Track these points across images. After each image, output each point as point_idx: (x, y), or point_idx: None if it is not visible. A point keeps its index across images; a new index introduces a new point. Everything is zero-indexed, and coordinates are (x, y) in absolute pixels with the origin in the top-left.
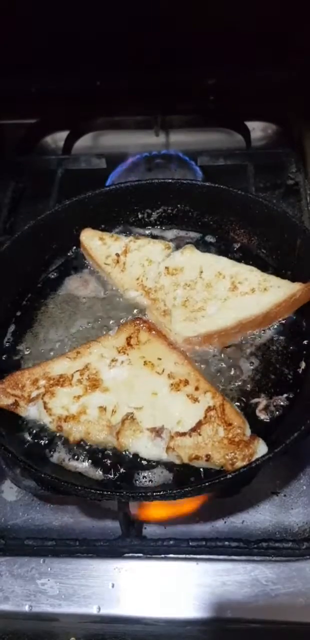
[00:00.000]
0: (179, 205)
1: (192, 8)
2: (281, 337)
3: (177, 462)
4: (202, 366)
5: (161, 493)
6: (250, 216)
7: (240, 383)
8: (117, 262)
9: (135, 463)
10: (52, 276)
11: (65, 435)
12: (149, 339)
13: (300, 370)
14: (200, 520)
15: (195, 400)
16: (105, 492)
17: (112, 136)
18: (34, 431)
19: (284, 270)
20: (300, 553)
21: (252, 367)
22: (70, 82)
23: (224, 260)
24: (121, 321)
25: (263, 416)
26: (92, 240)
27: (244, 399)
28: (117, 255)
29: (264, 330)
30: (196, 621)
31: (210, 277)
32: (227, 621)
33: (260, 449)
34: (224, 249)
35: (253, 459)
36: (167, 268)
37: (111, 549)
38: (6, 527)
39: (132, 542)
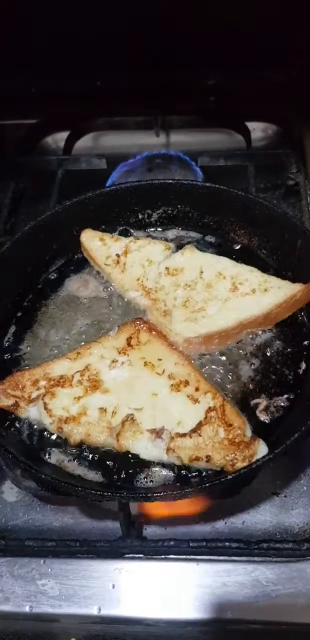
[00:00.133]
0: (179, 206)
1: (192, 8)
2: (281, 338)
3: (178, 463)
4: (203, 367)
5: (161, 494)
6: (250, 217)
7: (240, 384)
8: (118, 262)
9: (136, 464)
10: (53, 277)
11: (66, 436)
12: (149, 339)
13: (300, 371)
14: (200, 521)
15: (196, 401)
16: (105, 493)
17: (112, 136)
18: (35, 432)
19: (284, 270)
20: (301, 554)
21: (252, 368)
22: (70, 83)
23: (224, 261)
24: (121, 322)
25: (263, 417)
26: (93, 241)
27: (244, 400)
28: (118, 255)
29: (264, 331)
30: (196, 622)
31: (210, 277)
32: (228, 622)
33: (261, 449)
34: (224, 250)
35: (253, 460)
36: (167, 268)
37: (111, 550)
38: (6, 528)
39: (132, 542)
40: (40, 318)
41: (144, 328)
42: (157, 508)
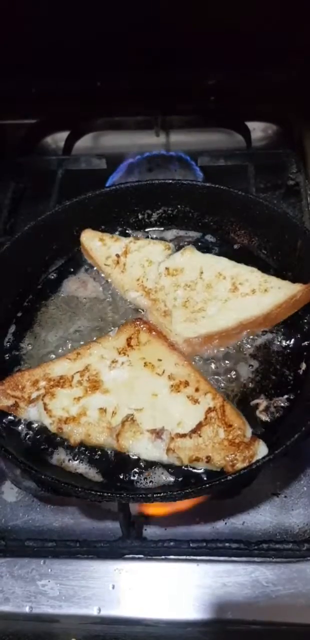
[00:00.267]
0: (179, 206)
1: (192, 8)
2: (282, 338)
3: (178, 463)
4: (203, 367)
5: (161, 494)
6: (250, 217)
7: (240, 384)
8: (118, 262)
9: (136, 464)
10: (52, 277)
11: (66, 437)
12: (149, 339)
13: (300, 372)
14: (200, 522)
15: (196, 401)
16: (105, 494)
17: (112, 136)
18: (34, 432)
19: (284, 271)
20: (301, 554)
21: (252, 368)
22: (70, 83)
23: (224, 261)
24: (121, 322)
25: (263, 417)
26: (93, 241)
27: (244, 401)
28: (117, 256)
29: (264, 331)
30: (197, 622)
31: (210, 277)
32: (228, 622)
33: (261, 450)
34: (224, 250)
35: (253, 461)
36: (167, 269)
37: (111, 550)
38: (6, 528)
39: (132, 543)
40: (40, 318)
41: (144, 328)
42: (157, 508)
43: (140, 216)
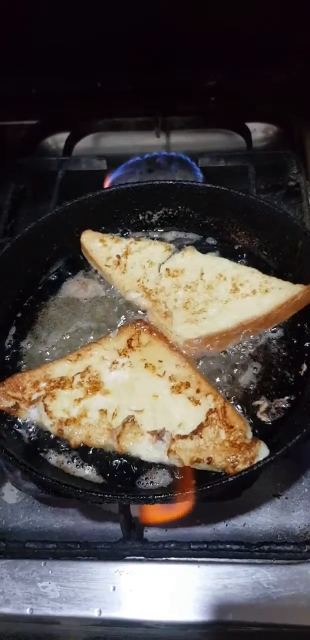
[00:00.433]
0: (179, 207)
1: (192, 8)
2: (282, 339)
3: (178, 465)
4: (203, 368)
5: (162, 496)
6: (251, 218)
7: (241, 385)
8: (118, 263)
9: (136, 466)
10: (53, 278)
11: (66, 438)
12: (150, 341)
13: (301, 373)
14: (201, 523)
15: (197, 402)
16: (106, 495)
17: (112, 137)
18: (35, 434)
19: (285, 272)
20: (302, 556)
21: (253, 370)
22: (70, 83)
23: (225, 262)
24: (122, 323)
25: (264, 419)
26: (93, 242)
27: (245, 402)
28: (118, 257)
29: (265, 332)
30: (197, 624)
31: (211, 278)
32: (229, 624)
33: (262, 451)
34: (225, 251)
35: (254, 462)
36: (167, 270)
37: (112, 552)
38: (7, 530)
39: (133, 544)
40: (40, 319)
41: (145, 329)
42: (158, 510)
43: (140, 217)
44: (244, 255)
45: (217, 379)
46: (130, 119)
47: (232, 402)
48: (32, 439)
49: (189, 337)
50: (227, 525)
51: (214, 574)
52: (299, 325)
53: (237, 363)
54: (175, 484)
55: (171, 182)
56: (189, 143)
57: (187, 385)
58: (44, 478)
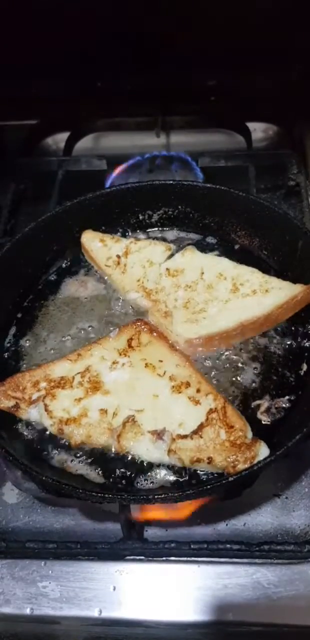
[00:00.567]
0: (179, 207)
1: (192, 8)
2: (283, 339)
3: (179, 464)
4: (204, 368)
5: (162, 496)
6: (251, 218)
7: (241, 385)
8: (118, 263)
9: (137, 465)
10: (53, 278)
11: (66, 438)
12: (150, 340)
13: (301, 372)
14: (201, 523)
15: (197, 402)
16: (106, 495)
17: (112, 137)
18: (35, 434)
19: (285, 271)
20: (302, 556)
21: (253, 369)
22: (70, 83)
23: (225, 262)
24: (122, 323)
25: (265, 418)
26: (93, 242)
27: (245, 402)
28: (118, 256)
29: (265, 332)
30: (197, 624)
31: (211, 278)
32: (229, 624)
33: (262, 451)
34: (225, 251)
35: (255, 462)
36: (168, 269)
37: (112, 552)
38: (7, 530)
39: (133, 544)
40: (40, 319)
41: (145, 329)
42: (158, 510)
43: (140, 217)
44: (244, 255)
45: (218, 379)
46: (130, 119)
47: (232, 402)
48: (32, 438)
49: (189, 337)
50: (227, 525)
51: (214, 574)
52: (299, 324)
53: (237, 363)
54: (176, 484)
55: (171, 181)
56: (189, 143)
57: (188, 385)
58: (44, 478)
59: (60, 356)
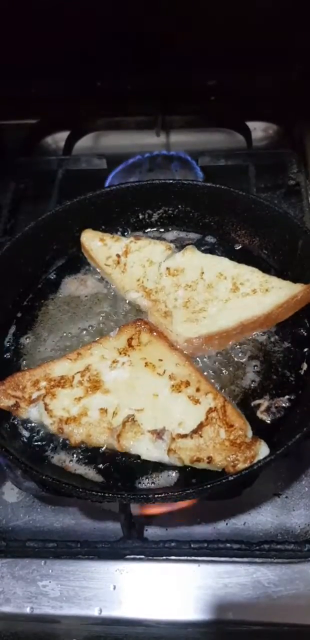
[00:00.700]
0: (179, 206)
1: (192, 8)
2: (283, 338)
3: (179, 464)
4: (204, 367)
5: (162, 495)
6: (251, 217)
7: (241, 384)
8: (118, 263)
9: (137, 465)
10: (53, 277)
11: (66, 437)
12: (150, 340)
13: (301, 372)
14: (201, 522)
15: (197, 401)
16: (106, 494)
17: (112, 136)
18: (35, 433)
19: (285, 271)
20: (303, 555)
21: (253, 369)
22: (70, 83)
23: (225, 261)
24: (122, 322)
25: (265, 418)
26: (93, 241)
27: (245, 401)
28: (118, 256)
29: (265, 332)
30: (198, 623)
31: (211, 278)
32: (229, 623)
33: (262, 450)
34: (225, 250)
35: (255, 461)
36: (168, 269)
37: (112, 551)
38: (7, 529)
39: (133, 543)
40: (40, 318)
41: (145, 328)
42: (158, 509)
43: (140, 216)
44: (244, 254)
45: (217, 378)
46: (130, 118)
47: (232, 401)
48: (32, 438)
49: (189, 336)
50: (227, 524)
51: (214, 573)
52: (299, 324)
53: (237, 362)
54: (176, 483)
55: (171, 181)
56: (189, 142)
57: (187, 384)
58: (44, 477)
59: (60, 355)
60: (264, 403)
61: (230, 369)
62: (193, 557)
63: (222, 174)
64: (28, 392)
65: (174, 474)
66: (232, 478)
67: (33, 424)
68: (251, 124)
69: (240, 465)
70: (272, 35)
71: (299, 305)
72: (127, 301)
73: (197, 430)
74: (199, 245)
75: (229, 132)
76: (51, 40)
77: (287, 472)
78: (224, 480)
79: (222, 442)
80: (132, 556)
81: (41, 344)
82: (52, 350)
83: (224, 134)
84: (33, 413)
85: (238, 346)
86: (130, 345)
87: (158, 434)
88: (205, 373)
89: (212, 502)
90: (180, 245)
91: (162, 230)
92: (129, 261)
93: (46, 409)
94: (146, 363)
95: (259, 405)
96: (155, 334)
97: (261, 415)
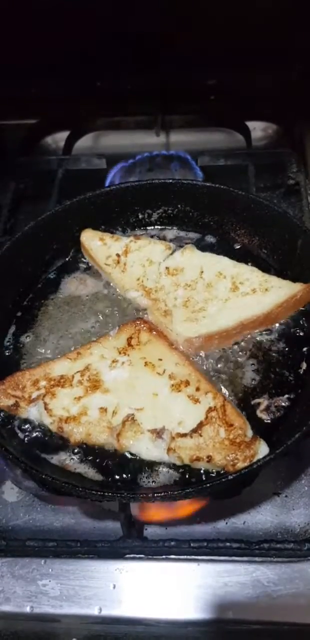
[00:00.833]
0: (179, 206)
1: (192, 8)
2: (282, 338)
3: (178, 463)
4: (203, 367)
5: (162, 494)
6: (251, 216)
7: (241, 384)
8: (118, 262)
9: (136, 464)
10: (53, 277)
11: (66, 436)
12: (150, 339)
13: (301, 371)
14: (201, 521)
15: (196, 401)
16: (106, 493)
17: (112, 136)
18: (35, 432)
19: (285, 270)
20: (302, 554)
21: (253, 368)
22: (70, 83)
23: (224, 261)
24: (122, 321)
25: (264, 417)
26: (93, 241)
27: (245, 400)
28: (118, 255)
29: (265, 331)
30: (197, 622)
31: (211, 277)
32: (229, 622)
33: (262, 449)
34: (224, 250)
35: (254, 460)
36: (167, 268)
37: (112, 550)
38: (7, 528)
39: (133, 543)
40: (40, 318)
41: (145, 328)
42: (158, 508)
43: (140, 216)
44: (244, 253)
45: (217, 377)
46: (130, 118)
47: (231, 400)
48: (32, 437)
49: (189, 336)
50: (227, 523)
51: (214, 572)
52: (298, 323)
53: (236, 361)
54: (175, 483)
55: (171, 180)
56: (189, 142)
57: (187, 383)
58: (44, 476)
59: (60, 355)
60: (264, 402)
61: (230, 368)
62: (193, 556)
63: (221, 173)
64: (28, 392)
65: (173, 473)
66: (231, 477)
67: (33, 424)
68: (251, 124)
69: (240, 465)
70: (272, 35)
71: (298, 305)
72: (127, 300)
73: (197, 430)
74: (199, 244)
75: (228, 132)
76: (51, 40)
77: (287, 471)
78: (223, 480)
79: (221, 441)
80: (131, 555)
81: (41, 343)
82: (51, 350)
83: (224, 134)
84: (33, 412)
85: (237, 345)
86: (130, 344)
87: (158, 433)
88: (205, 372)
89: (211, 502)
90: (179, 245)
91: (162, 229)
92: (129, 260)
93: (46, 409)
94: (146, 362)
95: (258, 405)
96: (155, 333)
97: (261, 414)
